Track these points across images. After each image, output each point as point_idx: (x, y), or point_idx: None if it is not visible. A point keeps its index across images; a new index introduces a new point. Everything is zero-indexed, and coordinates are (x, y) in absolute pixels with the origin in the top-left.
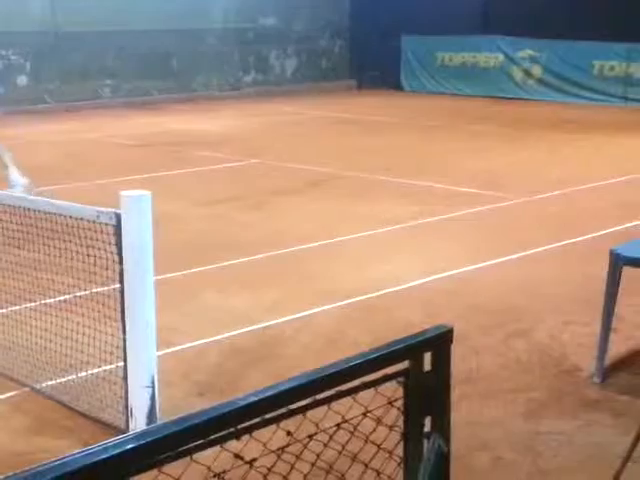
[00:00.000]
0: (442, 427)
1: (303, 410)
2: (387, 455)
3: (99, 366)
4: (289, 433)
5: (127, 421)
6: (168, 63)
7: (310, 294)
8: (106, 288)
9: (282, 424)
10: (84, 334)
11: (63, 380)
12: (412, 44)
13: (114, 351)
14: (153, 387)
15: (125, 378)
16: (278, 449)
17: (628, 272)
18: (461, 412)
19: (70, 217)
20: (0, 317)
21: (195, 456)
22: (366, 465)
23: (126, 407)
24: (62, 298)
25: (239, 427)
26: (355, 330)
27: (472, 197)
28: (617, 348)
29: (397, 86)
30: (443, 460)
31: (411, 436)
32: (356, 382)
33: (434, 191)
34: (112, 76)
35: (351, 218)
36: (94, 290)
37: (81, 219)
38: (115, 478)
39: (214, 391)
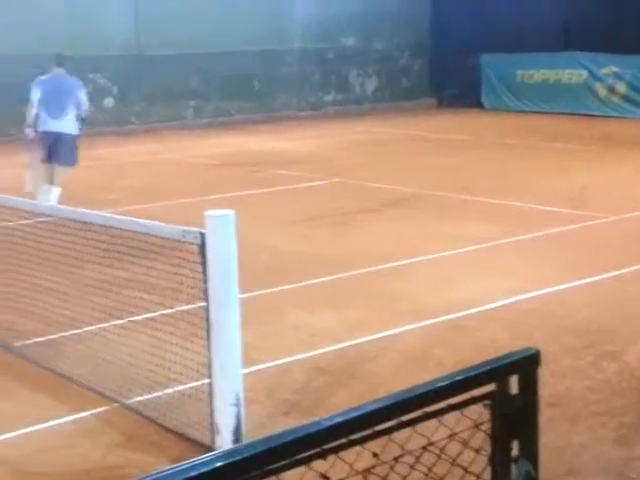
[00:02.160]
0: (530, 452)
1: (389, 431)
2: (474, 479)
3: (186, 383)
4: (375, 455)
5: (213, 438)
6: (249, 84)
7: (394, 313)
8: (192, 306)
9: (367, 445)
10: (171, 351)
11: (151, 396)
12: (492, 61)
13: (200, 369)
14: (239, 405)
15: (211, 396)
16: (364, 470)
17: None
18: (549, 436)
19: (156, 236)
20: (90, 334)
21: (281, 475)
22: None
23: (212, 425)
24: (149, 315)
25: (325, 447)
26: (440, 350)
27: (556, 216)
28: None
29: (477, 104)
30: None
31: (498, 460)
32: (442, 404)
33: (516, 210)
34: (195, 97)
35: (433, 237)
36: (180, 308)
37: (167, 238)
38: None
39: (299, 410)
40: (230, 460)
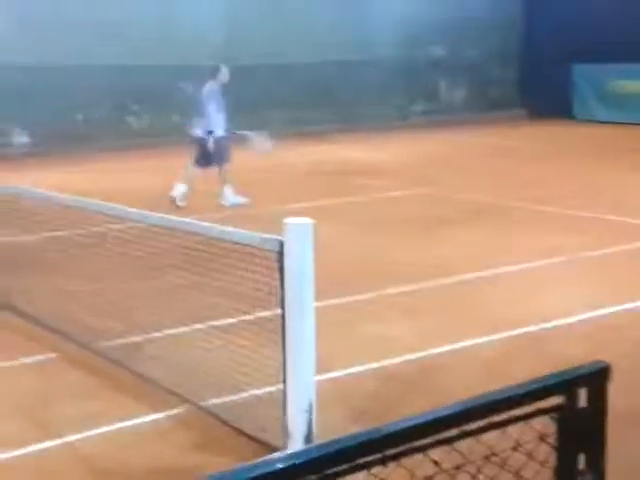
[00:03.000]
0: (597, 466)
1: (451, 440)
2: None
3: (261, 388)
4: (436, 463)
5: (285, 443)
6: (336, 94)
7: (471, 324)
8: (270, 313)
9: (429, 453)
10: (248, 356)
11: (226, 400)
12: (585, 72)
13: (275, 374)
14: (311, 411)
15: (284, 401)
16: (425, 478)
17: None
18: (622, 452)
19: (237, 243)
20: (171, 337)
21: None
22: None
23: (284, 429)
24: (227, 321)
25: (386, 453)
26: (515, 363)
27: None
28: None
29: (569, 115)
30: None
31: (563, 474)
32: (507, 415)
33: (606, 223)
34: (279, 107)
35: (515, 249)
36: (258, 314)
37: (247, 245)
38: None
39: (370, 418)
40: (289, 463)
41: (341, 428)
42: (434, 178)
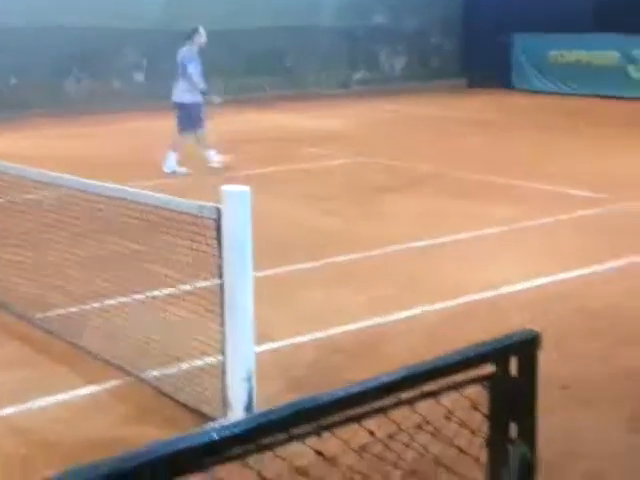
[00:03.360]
0: (527, 434)
1: (385, 409)
2: (470, 460)
3: (200, 359)
4: (371, 432)
5: (225, 414)
6: (279, 60)
7: (413, 294)
8: (208, 283)
9: (364, 423)
10: (187, 327)
11: (166, 371)
12: (523, 42)
13: (214, 344)
14: (250, 381)
15: (224, 371)
16: (359, 448)
17: None
18: (558, 417)
19: (174, 211)
20: (110, 308)
21: (278, 450)
22: (448, 469)
23: (225, 400)
24: (166, 291)
25: (321, 423)
26: (459, 331)
27: (584, 200)
28: None
29: (508, 85)
30: (528, 468)
31: (495, 442)
32: (440, 384)
33: (544, 193)
34: (223, 74)
35: (457, 218)
36: (197, 284)
37: (185, 213)
38: (195, 468)
39: (311, 387)
40: (223, 434)
41: (282, 398)
42: (375, 147)
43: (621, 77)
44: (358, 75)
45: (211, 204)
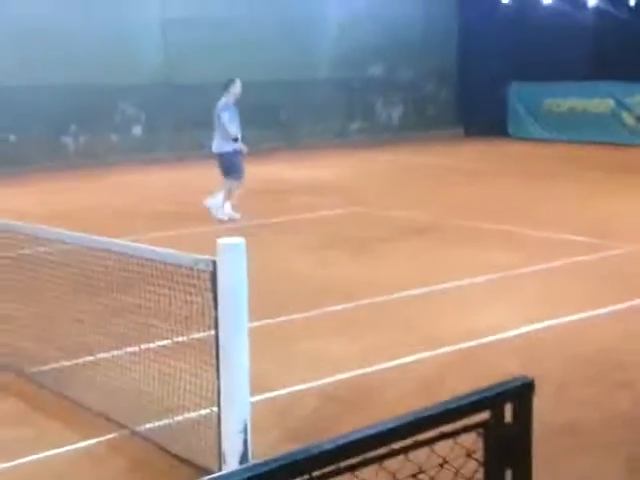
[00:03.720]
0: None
1: (379, 459)
2: None
3: (195, 410)
4: None
5: (220, 466)
6: (275, 113)
7: (408, 342)
8: (204, 334)
9: (358, 473)
10: (182, 379)
11: (161, 424)
12: (520, 90)
13: (210, 396)
14: (246, 433)
15: (219, 423)
16: None
17: None
18: (559, 465)
19: (170, 264)
20: (103, 361)
21: None
22: None
23: (219, 452)
24: (161, 343)
25: (313, 474)
26: (453, 379)
27: (578, 245)
28: None
29: (504, 133)
30: None
31: None
32: (435, 432)
33: (538, 239)
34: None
35: (452, 266)
36: (192, 336)
37: (179, 266)
38: None
39: (307, 438)
40: None
41: (278, 449)
42: (371, 197)
43: (616, 124)
44: (355, 125)
45: (206, 257)
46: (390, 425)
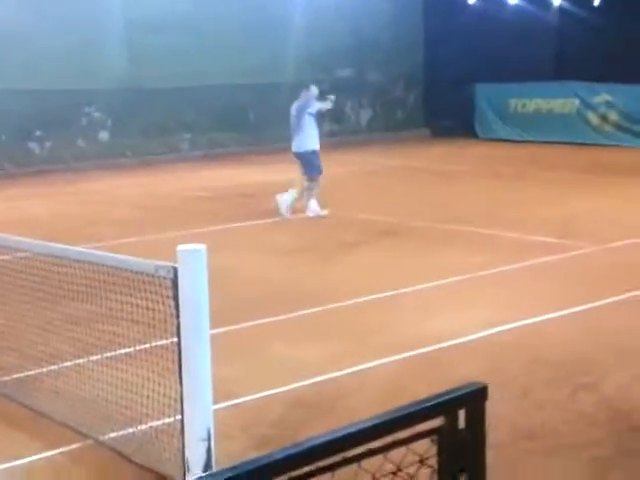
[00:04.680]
0: None
1: (332, 468)
2: None
3: (159, 419)
4: None
5: (184, 474)
6: (244, 116)
7: (373, 346)
8: (166, 341)
9: None
10: (146, 387)
11: (125, 432)
12: (485, 92)
13: (173, 404)
14: (209, 440)
15: (182, 431)
16: None
17: None
18: (524, 469)
19: (130, 271)
20: (66, 370)
21: None
22: None
23: (183, 460)
24: (124, 351)
25: None
26: (416, 384)
27: (544, 246)
28: None
29: (471, 134)
30: None
31: None
32: (388, 439)
33: (504, 240)
34: (190, 130)
35: (418, 268)
36: (155, 343)
37: (141, 273)
38: None
39: (273, 444)
40: None
41: (243, 456)
42: (339, 199)
43: (581, 124)
44: (324, 128)
45: (167, 263)
46: (342, 433)
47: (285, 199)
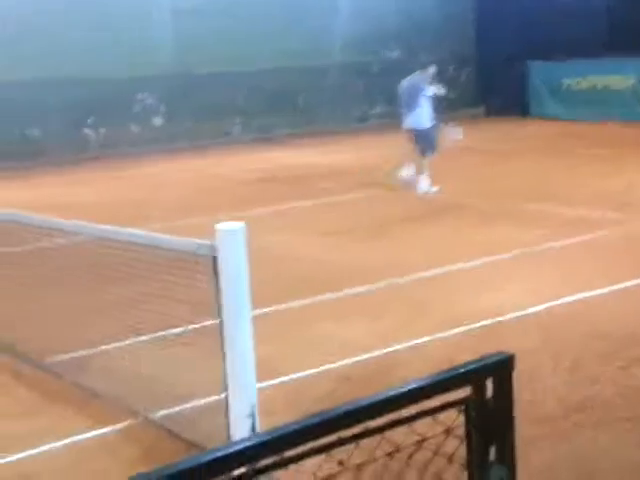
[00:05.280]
0: (504, 456)
1: (356, 438)
2: None
3: (206, 397)
4: (340, 462)
5: None
6: (294, 99)
7: (425, 322)
8: (212, 321)
9: (334, 452)
10: (192, 366)
11: (173, 411)
12: (539, 69)
13: (219, 383)
14: (254, 417)
15: (227, 409)
16: (326, 478)
17: None
18: (573, 442)
19: (174, 250)
20: (116, 350)
21: None
22: None
23: (228, 437)
24: (172, 331)
25: (284, 456)
26: (468, 357)
27: (599, 220)
28: None
29: (524, 113)
30: None
31: (474, 466)
32: (414, 409)
33: (559, 215)
34: (241, 114)
35: (471, 245)
36: (202, 324)
37: (183, 252)
38: None
39: None
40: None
41: None
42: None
43: (636, 101)
44: (376, 110)
45: (207, 242)
46: (367, 402)
47: (407, 172)
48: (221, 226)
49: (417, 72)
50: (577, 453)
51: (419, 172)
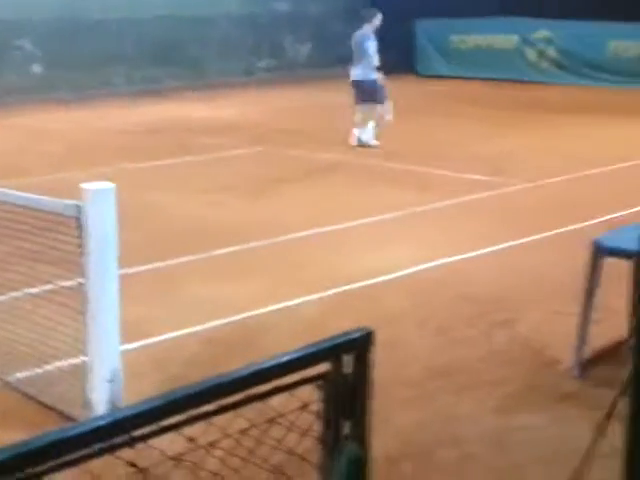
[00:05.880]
0: (358, 431)
1: (208, 415)
2: (301, 461)
3: (65, 360)
4: (191, 439)
5: (87, 415)
6: (181, 50)
7: (298, 284)
8: (73, 282)
9: (185, 431)
10: (52, 328)
11: (30, 373)
12: (426, 27)
13: (79, 345)
14: (115, 381)
15: (86, 372)
16: (176, 456)
17: (616, 261)
18: (435, 406)
19: (39, 210)
20: None
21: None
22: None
23: (86, 402)
24: (29, 291)
25: (134, 435)
26: (339, 320)
27: (475, 183)
28: (598, 341)
29: (411, 70)
30: (359, 465)
31: (328, 441)
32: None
33: (436, 178)
34: (126, 64)
35: (349, 206)
36: (63, 284)
37: (49, 212)
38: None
39: (183, 383)
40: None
41: (152, 395)
42: (275, 136)
43: (519, 60)
44: (263, 63)
45: (73, 202)
46: (221, 380)
47: (367, 130)
48: (88, 186)
49: (365, 24)
50: (441, 416)
51: (363, 123)
